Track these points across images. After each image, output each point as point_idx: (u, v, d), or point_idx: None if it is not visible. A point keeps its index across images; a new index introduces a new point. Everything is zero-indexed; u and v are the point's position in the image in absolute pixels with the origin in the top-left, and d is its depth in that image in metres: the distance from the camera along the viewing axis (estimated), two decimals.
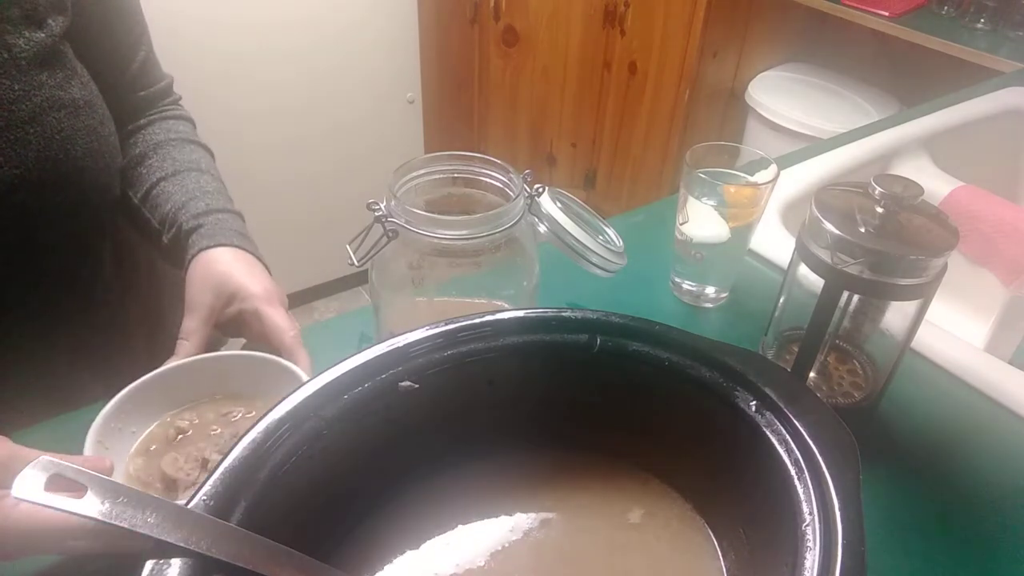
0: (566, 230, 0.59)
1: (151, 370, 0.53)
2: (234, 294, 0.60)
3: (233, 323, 0.61)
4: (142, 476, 0.49)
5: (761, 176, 0.65)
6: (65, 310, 0.67)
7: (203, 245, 0.64)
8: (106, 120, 0.65)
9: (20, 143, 0.57)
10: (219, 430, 0.52)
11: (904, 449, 0.58)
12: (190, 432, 0.52)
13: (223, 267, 0.62)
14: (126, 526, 0.29)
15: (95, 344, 0.70)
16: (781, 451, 0.36)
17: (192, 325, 0.59)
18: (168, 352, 0.58)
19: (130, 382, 0.52)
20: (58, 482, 0.30)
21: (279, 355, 0.55)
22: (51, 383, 0.63)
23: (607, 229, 0.66)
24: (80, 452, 0.46)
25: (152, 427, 0.52)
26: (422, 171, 0.56)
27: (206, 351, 0.58)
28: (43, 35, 0.59)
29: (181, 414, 0.53)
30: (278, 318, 0.58)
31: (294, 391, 0.37)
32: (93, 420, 0.48)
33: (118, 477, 0.48)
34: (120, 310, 0.73)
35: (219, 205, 0.68)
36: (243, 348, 0.61)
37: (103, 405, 0.50)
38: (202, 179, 0.70)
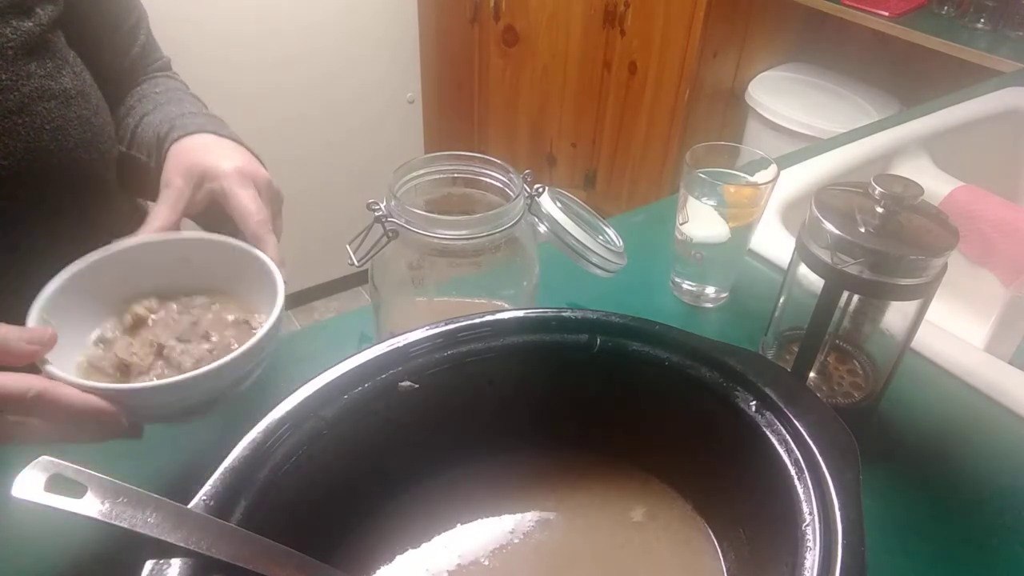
0: (566, 230, 0.59)
1: None
2: (203, 174, 0.55)
3: (208, 212, 0.57)
4: (94, 362, 0.47)
5: (761, 176, 0.65)
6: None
7: (175, 136, 0.61)
8: (100, 110, 0.64)
9: (8, 134, 0.56)
10: (184, 316, 0.50)
11: (904, 449, 0.58)
12: (149, 321, 0.49)
13: (195, 151, 0.58)
14: (126, 526, 0.29)
15: None
16: (781, 451, 0.36)
17: (159, 209, 0.54)
18: None
19: None
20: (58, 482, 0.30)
21: (247, 241, 0.51)
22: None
23: (607, 229, 0.66)
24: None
25: (108, 312, 0.49)
26: (422, 171, 0.56)
27: None
28: (31, 24, 0.58)
29: (140, 300, 0.50)
30: (245, 199, 0.53)
31: (294, 391, 0.37)
32: None
33: (69, 361, 0.46)
34: None
35: (199, 110, 0.66)
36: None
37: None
38: (185, 103, 0.68)
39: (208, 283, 0.52)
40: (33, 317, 0.45)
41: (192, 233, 0.52)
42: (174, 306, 0.51)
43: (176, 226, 0.55)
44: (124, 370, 0.46)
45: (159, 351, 0.47)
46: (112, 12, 0.69)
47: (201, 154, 0.58)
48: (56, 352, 0.44)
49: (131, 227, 0.73)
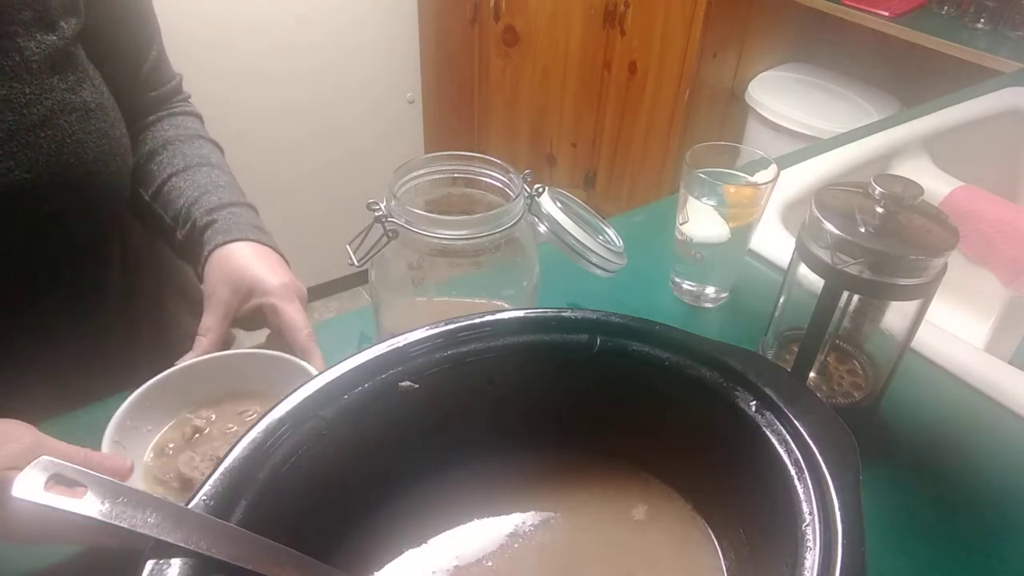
0: (566, 230, 0.59)
1: (160, 370, 0.53)
2: (251, 289, 0.60)
3: (252, 318, 0.61)
4: (159, 475, 0.49)
5: (761, 176, 0.65)
6: (74, 312, 0.67)
7: (219, 241, 0.63)
8: (117, 123, 0.65)
9: (31, 147, 0.57)
10: (235, 428, 0.52)
11: (904, 449, 0.58)
12: (207, 430, 0.52)
13: (240, 262, 0.62)
14: (126, 526, 0.29)
15: (104, 345, 0.70)
16: (781, 451, 0.36)
17: (210, 322, 0.59)
18: (176, 351, 0.58)
19: (139, 381, 0.51)
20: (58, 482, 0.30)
21: (294, 353, 0.55)
22: (60, 384, 0.63)
23: (607, 229, 0.66)
24: (97, 449, 0.47)
25: (169, 425, 0.52)
26: (422, 171, 0.56)
27: (223, 348, 0.58)
28: (55, 38, 0.58)
29: (198, 412, 0.53)
30: (294, 314, 0.58)
31: (294, 391, 0.37)
32: (105, 414, 0.48)
33: (136, 476, 0.48)
34: (128, 311, 0.73)
35: (232, 199, 0.68)
36: (267, 338, 0.62)
37: (119, 401, 0.50)
38: (213, 173, 0.70)
39: (258, 390, 0.55)
40: (106, 443, 0.47)
41: (248, 351, 0.56)
42: (229, 417, 0.54)
43: (225, 337, 0.59)
44: (187, 484, 0.48)
45: (219, 464, 0.49)
46: (130, 26, 0.70)
47: (247, 267, 0.61)
48: None
49: (142, 238, 0.73)
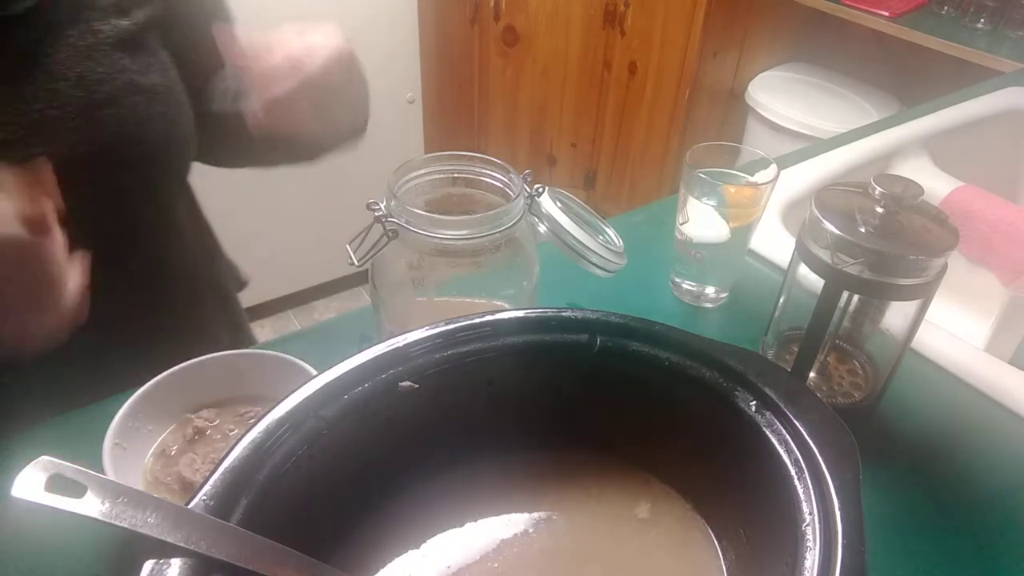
0: (566, 230, 0.59)
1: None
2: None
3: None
4: (160, 477, 0.49)
5: (761, 176, 0.65)
6: (120, 291, 0.68)
7: None
8: (183, 108, 0.67)
9: (96, 123, 0.59)
10: (236, 430, 0.52)
11: (904, 449, 0.58)
12: (208, 431, 0.52)
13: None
14: (126, 526, 0.29)
15: (140, 328, 0.71)
16: (781, 451, 0.36)
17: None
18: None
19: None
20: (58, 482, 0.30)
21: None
22: (100, 362, 0.63)
23: (607, 229, 0.66)
24: (98, 450, 0.47)
25: (170, 427, 0.52)
26: (422, 171, 0.56)
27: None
28: (128, 22, 0.61)
29: (199, 413, 0.53)
30: (259, 37, 0.58)
31: (294, 391, 0.37)
32: (106, 415, 0.48)
33: (137, 477, 0.48)
34: (167, 293, 0.74)
35: None
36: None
37: (120, 402, 0.50)
38: None
39: (259, 390, 0.55)
40: (107, 446, 0.47)
41: (249, 352, 0.57)
42: (230, 418, 0.54)
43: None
44: (187, 486, 0.48)
45: (219, 465, 0.49)
46: (206, 18, 0.72)
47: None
48: (124, 464, 0.47)
49: (191, 225, 0.76)
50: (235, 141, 0.74)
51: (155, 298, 0.72)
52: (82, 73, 0.58)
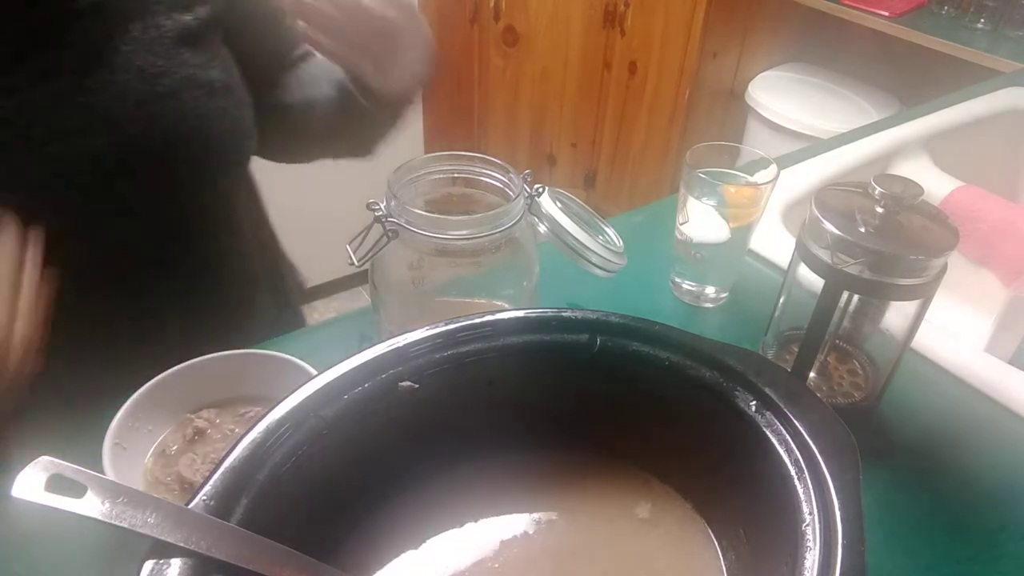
0: (566, 230, 0.59)
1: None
2: None
3: None
4: (160, 477, 0.49)
5: (761, 176, 0.65)
6: (172, 288, 0.69)
7: None
8: (243, 104, 0.68)
9: (155, 116, 0.60)
10: (236, 429, 0.52)
11: (904, 449, 0.58)
12: (208, 431, 0.52)
13: None
14: (126, 526, 0.29)
15: (190, 328, 0.71)
16: (781, 451, 0.36)
17: None
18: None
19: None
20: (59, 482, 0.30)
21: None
22: (162, 347, 0.64)
23: (607, 229, 0.66)
24: (98, 450, 0.47)
25: (170, 427, 0.52)
26: (422, 171, 0.56)
27: None
28: (190, 18, 0.62)
29: (199, 412, 0.53)
30: None
31: (294, 391, 0.37)
32: (107, 415, 0.48)
33: (136, 477, 0.48)
34: (223, 293, 0.74)
35: None
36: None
37: (121, 402, 0.50)
38: None
39: (259, 390, 0.55)
40: (107, 446, 0.47)
41: (250, 351, 0.57)
42: (230, 418, 0.54)
43: None
44: (187, 487, 0.48)
45: (219, 464, 0.50)
46: (269, 17, 0.74)
47: None
48: (124, 464, 0.47)
49: (246, 222, 0.78)
50: (304, 132, 0.77)
51: (207, 299, 0.72)
52: (143, 66, 0.59)
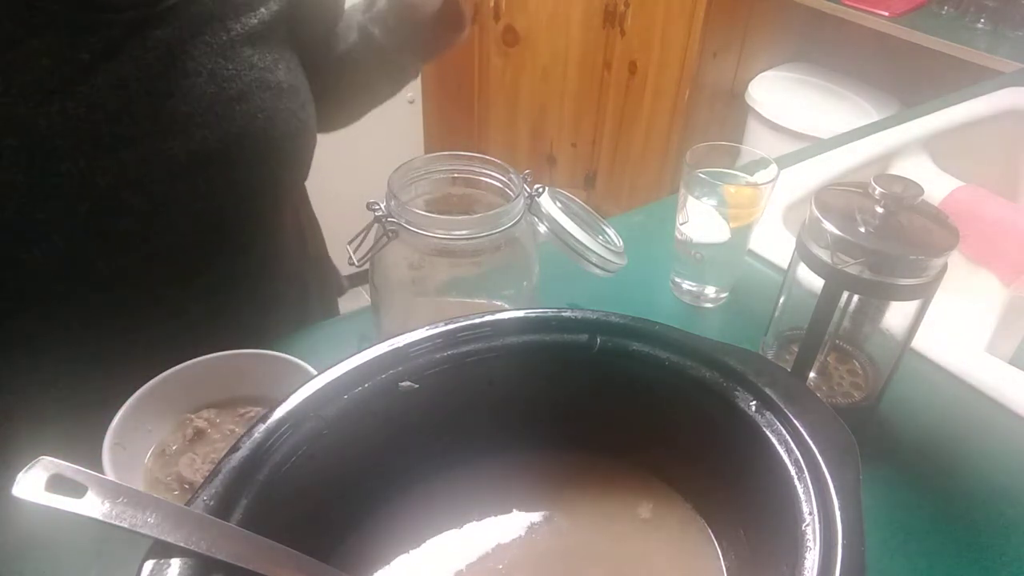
0: (566, 230, 0.59)
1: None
2: None
3: None
4: (160, 477, 0.49)
5: (761, 176, 0.65)
6: (234, 281, 0.69)
7: None
8: (307, 104, 0.69)
9: (226, 119, 0.60)
10: (236, 430, 0.52)
11: (904, 449, 0.58)
12: (208, 431, 0.52)
13: None
14: (126, 526, 0.29)
15: (242, 321, 0.72)
16: (781, 451, 0.36)
17: None
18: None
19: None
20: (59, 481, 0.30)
21: None
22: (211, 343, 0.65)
23: (607, 229, 0.66)
24: (98, 450, 0.47)
25: (170, 427, 0.52)
26: (422, 171, 0.56)
27: None
28: (256, 20, 0.63)
29: (199, 412, 0.53)
30: None
31: (294, 391, 0.37)
32: (107, 415, 0.48)
33: (136, 477, 0.48)
34: (274, 289, 0.75)
35: None
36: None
37: (121, 402, 0.50)
38: None
39: (259, 390, 0.55)
40: (107, 445, 0.47)
41: (250, 352, 0.57)
42: (230, 418, 0.54)
43: None
44: (187, 487, 0.48)
45: (219, 464, 0.50)
46: (331, 14, 0.75)
47: None
48: (124, 464, 0.47)
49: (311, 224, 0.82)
50: (356, 75, 0.77)
51: (258, 296, 0.72)
52: (213, 69, 0.60)
